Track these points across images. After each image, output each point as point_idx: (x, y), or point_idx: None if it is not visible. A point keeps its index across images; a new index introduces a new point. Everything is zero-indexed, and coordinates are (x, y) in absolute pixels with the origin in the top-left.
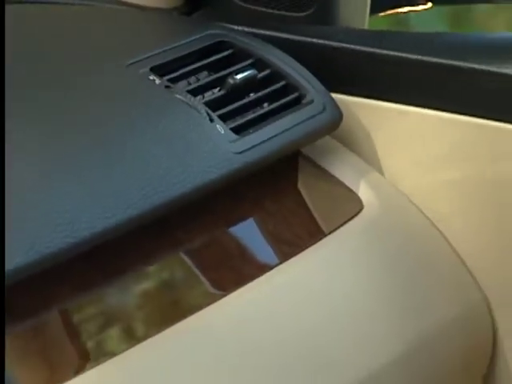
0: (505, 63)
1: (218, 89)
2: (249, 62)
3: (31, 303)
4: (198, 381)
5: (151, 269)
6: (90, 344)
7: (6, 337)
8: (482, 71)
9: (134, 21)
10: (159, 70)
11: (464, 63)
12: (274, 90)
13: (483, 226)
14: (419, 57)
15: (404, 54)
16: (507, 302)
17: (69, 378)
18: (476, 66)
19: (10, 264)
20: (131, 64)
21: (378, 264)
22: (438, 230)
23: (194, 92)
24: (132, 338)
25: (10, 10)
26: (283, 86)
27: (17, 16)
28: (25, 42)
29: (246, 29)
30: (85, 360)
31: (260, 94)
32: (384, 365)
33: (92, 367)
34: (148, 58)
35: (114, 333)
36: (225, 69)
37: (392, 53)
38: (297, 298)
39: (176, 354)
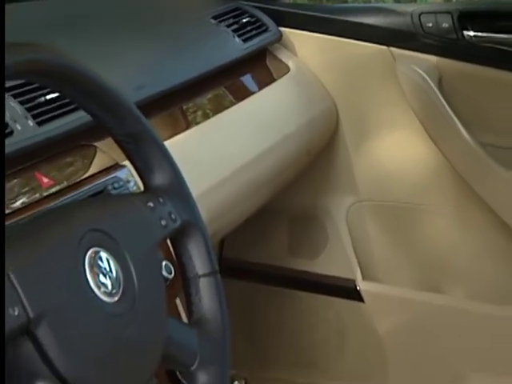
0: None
1: (235, 25)
2: (247, 15)
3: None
4: (230, 134)
5: (205, 97)
6: (188, 115)
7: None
8: (346, 20)
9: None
10: (214, 17)
11: (343, 17)
12: (257, 26)
13: (338, 83)
14: (318, 14)
15: (308, 12)
16: (344, 106)
17: (182, 131)
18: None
19: (141, 96)
20: (203, 15)
21: (296, 98)
22: (321, 82)
23: (227, 26)
24: (205, 117)
25: None
26: (260, 24)
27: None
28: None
29: (247, 3)
30: (188, 125)
31: (252, 26)
32: (287, 134)
33: (188, 129)
34: (210, 13)
35: (199, 113)
36: (238, 17)
37: (300, 10)
38: (260, 102)
39: (220, 125)
